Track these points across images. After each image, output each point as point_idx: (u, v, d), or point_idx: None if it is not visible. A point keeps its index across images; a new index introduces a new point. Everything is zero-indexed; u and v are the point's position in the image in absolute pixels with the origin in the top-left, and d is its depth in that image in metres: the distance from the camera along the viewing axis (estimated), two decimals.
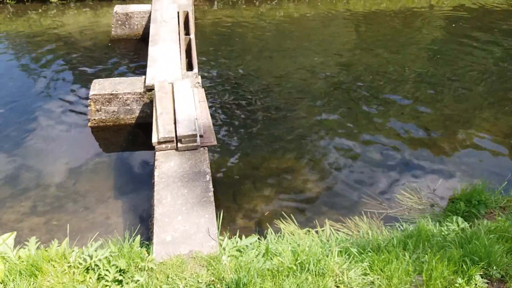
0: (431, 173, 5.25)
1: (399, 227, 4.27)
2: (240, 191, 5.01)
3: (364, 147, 5.69)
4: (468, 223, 4.07)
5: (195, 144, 4.52)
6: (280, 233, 4.16)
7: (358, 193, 4.99)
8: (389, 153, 5.61)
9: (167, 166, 4.33)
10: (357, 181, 5.16)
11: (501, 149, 5.67)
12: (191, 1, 8.76)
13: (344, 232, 4.36)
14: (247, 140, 5.75)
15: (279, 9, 10.52)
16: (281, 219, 4.53)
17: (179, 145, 4.50)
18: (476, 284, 2.95)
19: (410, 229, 4.01)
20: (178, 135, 4.50)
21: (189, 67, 6.46)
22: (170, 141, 4.51)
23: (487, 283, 3.09)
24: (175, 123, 4.69)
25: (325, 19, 9.97)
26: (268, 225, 4.33)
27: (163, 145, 4.51)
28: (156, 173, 4.24)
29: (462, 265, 3.11)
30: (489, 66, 7.74)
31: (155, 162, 4.39)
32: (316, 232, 4.29)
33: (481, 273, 3.07)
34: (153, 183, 4.18)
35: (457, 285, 2.94)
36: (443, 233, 3.85)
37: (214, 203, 3.95)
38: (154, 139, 4.54)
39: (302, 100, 6.65)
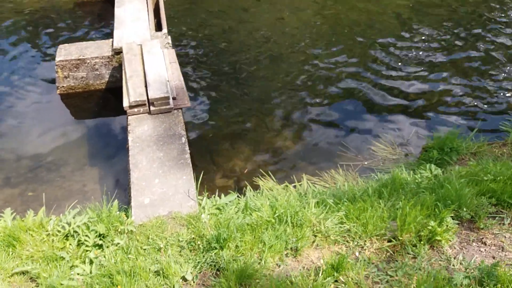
0: (405, 125, 5.32)
1: (374, 177, 4.35)
2: (218, 151, 5.00)
3: (338, 102, 5.69)
4: (441, 170, 4.18)
5: (168, 106, 4.45)
6: (259, 190, 4.20)
7: (334, 147, 5.04)
8: (364, 106, 5.63)
9: (141, 130, 4.27)
10: (333, 135, 5.20)
11: (470, 98, 5.75)
12: None
13: (321, 185, 4.43)
14: (221, 100, 5.68)
15: None
16: (260, 176, 4.57)
17: (152, 108, 4.42)
18: (447, 225, 3.07)
19: (385, 178, 4.10)
20: (150, 98, 4.41)
21: (158, 27, 6.25)
22: (142, 105, 4.42)
23: (458, 223, 3.21)
24: (146, 86, 4.58)
25: None
26: (246, 183, 4.36)
27: (135, 109, 4.42)
28: (130, 138, 4.18)
29: (434, 209, 3.21)
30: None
31: (128, 126, 4.31)
32: (294, 186, 4.35)
33: (452, 215, 3.19)
34: (128, 147, 4.13)
35: (429, 227, 3.04)
36: (416, 181, 3.96)
37: (191, 165, 3.94)
38: (126, 103, 4.44)
39: (275, 57, 6.55)
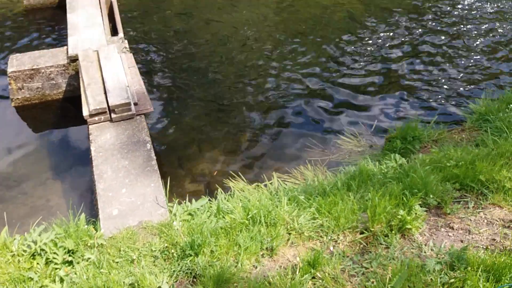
0: (367, 117, 5.43)
1: (342, 170, 4.42)
2: (185, 155, 4.93)
3: (301, 99, 5.74)
4: (405, 159, 4.29)
5: (130, 113, 4.34)
6: (230, 192, 4.17)
7: (301, 143, 5.08)
8: (326, 102, 5.69)
9: (103, 139, 4.14)
10: (299, 132, 5.24)
11: (428, 88, 5.93)
12: None
13: (291, 182, 4.45)
14: (184, 103, 5.60)
15: None
16: (230, 178, 4.54)
17: (113, 115, 4.30)
18: (416, 213, 3.15)
19: (352, 171, 4.17)
20: (110, 105, 4.28)
21: (114, 32, 6.08)
22: (103, 113, 4.29)
23: (426, 210, 3.30)
24: (105, 93, 4.45)
25: None
26: (217, 186, 4.32)
27: (96, 118, 4.29)
28: (92, 148, 4.04)
29: (402, 198, 3.29)
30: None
31: (90, 136, 4.18)
32: (265, 185, 4.35)
33: (420, 202, 3.28)
34: (91, 158, 4.00)
35: (399, 216, 3.11)
36: (383, 171, 4.04)
37: (158, 171, 3.86)
38: (85, 112, 4.30)
39: (235, 58, 6.53)
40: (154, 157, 3.98)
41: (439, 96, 5.71)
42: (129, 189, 3.65)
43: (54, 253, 3.03)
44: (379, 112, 5.53)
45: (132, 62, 5.17)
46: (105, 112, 4.31)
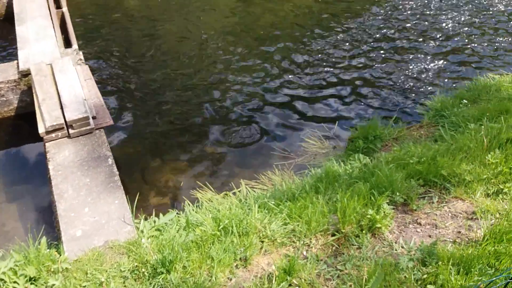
0: (329, 119, 5.50)
1: (309, 173, 4.44)
2: (148, 168, 4.80)
3: (265, 104, 5.74)
4: (369, 158, 4.37)
5: (88, 127, 4.17)
6: (198, 203, 4.09)
7: (266, 149, 5.07)
8: (287, 109, 5.70)
9: (62, 156, 3.95)
10: (263, 138, 5.22)
11: (387, 87, 6.10)
12: None
13: (260, 189, 4.42)
14: (145, 113, 5.46)
15: None
16: (197, 188, 4.45)
17: (71, 131, 4.11)
18: (384, 212, 3.20)
19: (319, 173, 4.20)
20: (67, 120, 4.10)
21: (67, 43, 5.85)
22: (60, 129, 4.10)
23: (393, 208, 3.37)
24: (62, 108, 4.26)
25: None
26: (184, 198, 4.22)
27: (53, 134, 4.09)
28: (50, 166, 3.85)
29: (370, 198, 3.34)
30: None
31: (47, 154, 3.97)
32: (234, 193, 4.29)
33: (387, 201, 3.33)
34: (49, 177, 3.80)
35: (368, 216, 3.15)
36: (348, 171, 4.09)
37: (122, 187, 3.72)
38: (41, 129, 4.09)
39: (194, 66, 6.45)
40: (117, 172, 3.84)
41: (397, 95, 5.88)
42: (92, 208, 3.50)
43: (15, 282, 2.84)
44: (340, 113, 5.61)
45: (88, 74, 4.98)
46: (63, 128, 4.12)
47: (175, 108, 5.59)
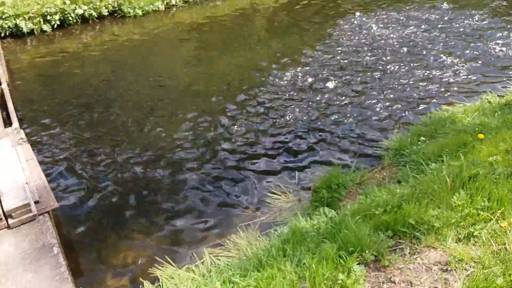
0: (289, 171, 5.33)
1: (275, 232, 4.20)
2: (103, 246, 4.44)
3: (221, 163, 5.54)
4: (334, 210, 4.20)
5: (30, 214, 3.82)
6: (158, 283, 3.76)
7: (228, 208, 4.84)
8: (247, 162, 5.55)
9: (0, 251, 3.56)
10: (224, 197, 5.00)
11: (342, 132, 6.05)
12: None
13: (225, 256, 4.14)
14: (95, 188, 5.13)
15: (103, 34, 9.85)
16: (157, 264, 4.11)
17: (10, 221, 3.75)
18: (355, 275, 2.98)
19: (285, 232, 3.99)
20: (5, 210, 3.74)
21: (7, 122, 5.53)
22: None
23: (365, 267, 3.15)
24: None
25: (156, 38, 9.65)
26: (142, 279, 3.86)
27: None
28: None
29: (339, 260, 3.12)
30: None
31: None
32: (196, 266, 3.99)
33: (357, 261, 3.13)
34: None
35: (340, 282, 2.93)
36: (315, 227, 3.89)
37: (70, 279, 3.36)
38: None
39: (143, 130, 6.25)
40: (63, 263, 3.47)
41: (354, 139, 5.81)
42: None
43: None
44: (300, 163, 5.47)
45: (30, 153, 4.66)
46: (0, 219, 3.75)
47: (125, 177, 5.30)
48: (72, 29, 9.97)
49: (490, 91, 6.58)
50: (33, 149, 4.82)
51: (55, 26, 9.63)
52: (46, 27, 9.53)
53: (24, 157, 4.51)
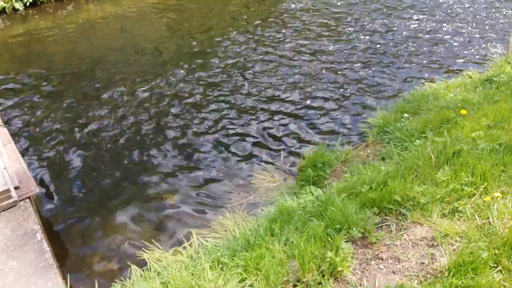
0: (274, 149, 5.32)
1: (262, 212, 4.20)
2: (88, 231, 4.38)
3: (202, 145, 5.49)
4: (320, 188, 4.21)
5: (11, 200, 3.71)
6: (146, 266, 3.73)
7: (214, 190, 4.80)
8: (237, 142, 5.51)
9: None
10: (209, 179, 4.96)
11: (326, 107, 6.05)
12: None
13: (212, 237, 4.13)
14: (75, 172, 5.02)
15: (79, 13, 9.52)
16: (144, 248, 4.07)
17: None
18: (344, 252, 3.00)
19: (272, 211, 3.98)
20: None
21: None
22: None
23: (352, 244, 3.18)
24: None
25: (136, 15, 9.38)
26: (130, 263, 3.83)
27: None
28: None
29: (327, 238, 3.14)
30: None
31: None
32: (184, 248, 3.96)
33: (345, 238, 3.15)
34: None
35: (328, 259, 2.95)
36: (302, 205, 3.89)
37: (55, 265, 3.30)
38: None
39: (123, 116, 6.12)
40: (48, 249, 3.40)
41: (338, 116, 5.81)
42: None
43: None
44: (284, 144, 5.45)
45: (7, 137, 4.51)
46: None
47: (110, 162, 5.20)
48: (46, 7, 9.60)
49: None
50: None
51: (28, 4, 9.24)
52: (18, 5, 9.16)
53: (1, 141, 4.36)
